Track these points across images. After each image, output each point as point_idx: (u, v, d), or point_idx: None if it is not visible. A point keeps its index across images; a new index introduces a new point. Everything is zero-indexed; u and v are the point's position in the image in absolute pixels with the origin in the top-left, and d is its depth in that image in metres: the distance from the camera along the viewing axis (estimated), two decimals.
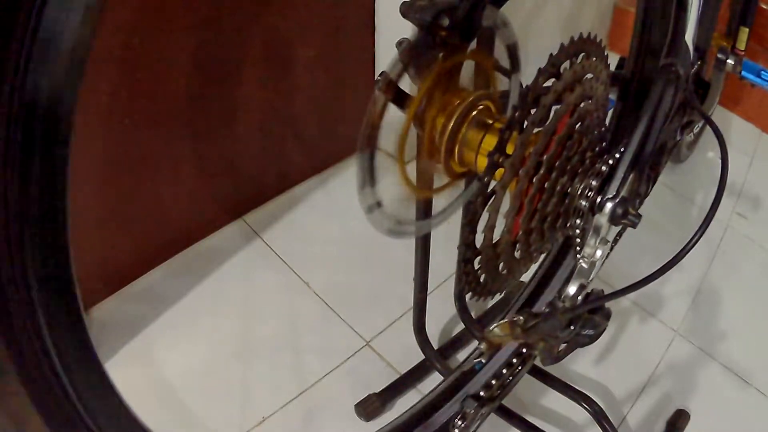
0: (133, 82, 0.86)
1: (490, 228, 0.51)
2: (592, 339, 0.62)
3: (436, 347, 0.95)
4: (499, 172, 0.49)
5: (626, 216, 0.55)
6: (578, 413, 0.87)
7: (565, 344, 0.62)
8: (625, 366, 1.00)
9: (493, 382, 0.74)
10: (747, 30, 1.04)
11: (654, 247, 1.07)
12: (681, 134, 0.82)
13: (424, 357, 0.93)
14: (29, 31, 0.29)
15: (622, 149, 0.58)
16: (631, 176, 0.57)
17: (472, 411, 0.70)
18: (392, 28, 1.09)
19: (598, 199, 0.55)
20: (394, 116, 0.50)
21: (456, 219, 0.55)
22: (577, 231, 0.57)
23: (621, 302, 1.09)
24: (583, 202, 0.55)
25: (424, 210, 0.63)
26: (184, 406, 0.90)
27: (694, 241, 0.54)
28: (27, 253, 0.33)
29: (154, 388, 0.91)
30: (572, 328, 0.60)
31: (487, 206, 0.50)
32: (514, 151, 0.48)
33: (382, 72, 0.48)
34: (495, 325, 0.61)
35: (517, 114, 0.48)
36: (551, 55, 0.49)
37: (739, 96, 1.48)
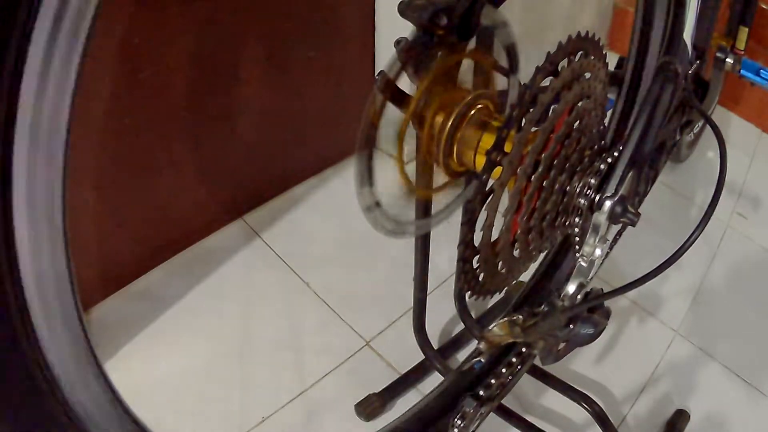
0: (134, 81, 0.86)
1: (488, 226, 0.51)
2: (592, 338, 0.62)
3: (436, 347, 0.95)
4: (498, 170, 0.49)
5: (625, 214, 0.55)
6: (578, 413, 0.87)
7: (564, 343, 0.62)
8: (625, 366, 1.00)
9: (493, 381, 0.74)
10: (746, 29, 1.04)
11: (654, 246, 1.07)
12: (680, 134, 0.82)
13: (424, 357, 0.93)
14: None
15: (621, 147, 0.58)
16: (630, 174, 0.57)
17: (472, 410, 0.70)
18: (392, 28, 1.09)
19: (597, 198, 0.55)
20: (392, 116, 0.50)
21: (456, 218, 0.55)
22: (576, 230, 0.57)
23: (621, 302, 1.09)
24: (582, 201, 0.55)
25: (424, 209, 0.63)
26: (184, 406, 0.90)
27: (692, 239, 0.54)
28: (25, 253, 0.33)
29: (154, 388, 0.91)
30: (571, 326, 0.60)
31: (485, 205, 0.50)
32: (512, 149, 0.48)
33: (381, 71, 0.48)
34: (494, 324, 0.61)
35: (515, 112, 0.48)
36: (549, 53, 0.49)
37: (739, 96, 1.48)
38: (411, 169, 0.55)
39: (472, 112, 0.53)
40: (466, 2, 0.50)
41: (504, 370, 0.76)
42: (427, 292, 0.84)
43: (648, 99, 0.63)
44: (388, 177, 0.52)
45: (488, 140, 0.52)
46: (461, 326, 0.99)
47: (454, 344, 0.99)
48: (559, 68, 0.50)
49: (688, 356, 1.03)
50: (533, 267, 0.90)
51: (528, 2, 1.27)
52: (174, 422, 0.88)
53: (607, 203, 0.54)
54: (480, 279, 0.56)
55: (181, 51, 0.90)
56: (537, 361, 0.76)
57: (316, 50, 1.08)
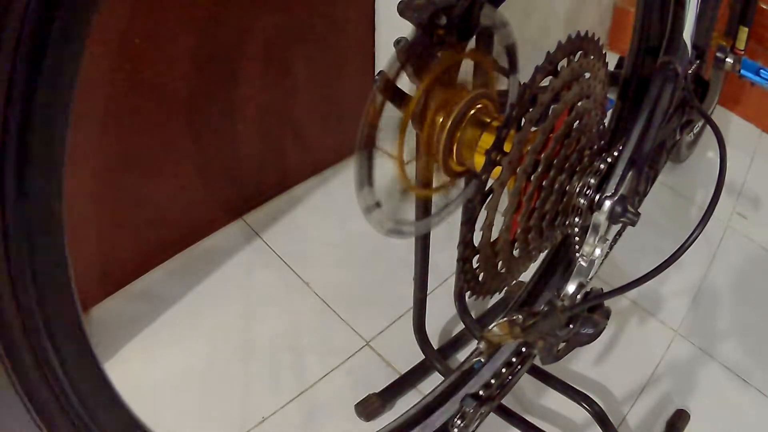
0: (134, 81, 0.86)
1: (488, 226, 0.51)
2: (592, 338, 0.62)
3: (436, 347, 0.95)
4: (497, 170, 0.49)
5: (625, 214, 0.55)
6: (578, 413, 0.87)
7: (564, 343, 0.62)
8: (625, 366, 1.00)
9: (493, 381, 0.74)
10: (746, 30, 1.04)
11: (654, 247, 1.07)
12: (680, 134, 0.82)
13: (424, 357, 0.93)
14: None
15: (621, 147, 0.58)
16: (630, 174, 0.57)
17: (471, 410, 0.70)
18: (392, 28, 1.09)
19: (597, 197, 0.55)
20: (392, 116, 0.50)
21: (456, 218, 0.55)
22: (576, 229, 0.57)
23: (621, 302, 1.09)
24: (582, 200, 0.55)
25: (424, 209, 0.63)
26: (184, 406, 0.90)
27: (693, 238, 0.54)
28: (24, 253, 0.33)
29: (154, 387, 0.91)
30: (571, 326, 0.60)
31: (485, 204, 0.50)
32: (511, 148, 0.48)
33: (380, 71, 0.48)
34: (494, 324, 0.61)
35: (514, 112, 0.48)
36: (548, 53, 0.49)
37: (739, 96, 1.48)
38: (411, 169, 0.55)
39: (472, 112, 0.53)
40: (466, 2, 0.49)
41: (504, 370, 0.76)
42: (427, 292, 0.84)
43: (647, 99, 0.63)
44: (388, 177, 0.52)
45: (488, 140, 0.53)
46: (461, 326, 0.99)
47: (454, 344, 0.99)
48: (559, 68, 0.50)
49: (688, 356, 1.03)
50: (533, 267, 0.90)
51: (528, 2, 1.27)
52: (174, 422, 0.88)
53: (607, 203, 0.54)
54: (480, 279, 0.56)
55: (182, 51, 0.90)
56: (537, 361, 0.76)
57: (316, 50, 1.08)
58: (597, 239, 0.56)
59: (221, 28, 0.93)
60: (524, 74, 0.53)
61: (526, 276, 0.91)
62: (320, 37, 1.07)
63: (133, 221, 0.99)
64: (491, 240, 0.54)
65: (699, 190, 1.33)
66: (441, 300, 1.00)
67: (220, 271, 1.07)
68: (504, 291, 0.61)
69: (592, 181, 0.55)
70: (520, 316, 0.60)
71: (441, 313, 1.03)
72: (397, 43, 0.49)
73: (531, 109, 0.49)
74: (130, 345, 0.96)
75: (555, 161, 0.52)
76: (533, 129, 0.50)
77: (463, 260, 0.53)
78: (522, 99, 0.48)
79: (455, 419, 0.72)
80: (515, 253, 0.57)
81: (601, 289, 0.61)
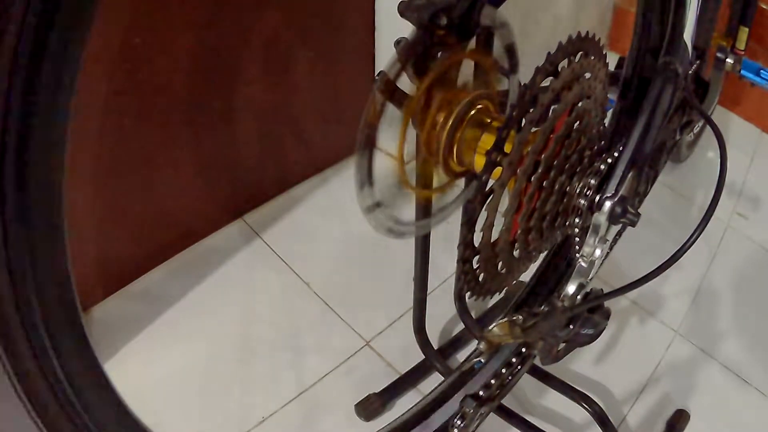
0: (134, 81, 0.86)
1: (488, 227, 0.51)
2: (592, 338, 0.62)
3: (436, 347, 0.95)
4: (498, 170, 0.49)
5: (625, 215, 0.55)
6: (578, 413, 0.87)
7: (564, 343, 0.62)
8: (625, 366, 1.00)
9: (493, 381, 0.74)
10: (747, 30, 1.04)
11: (654, 247, 1.07)
12: (680, 134, 0.82)
13: (424, 357, 0.93)
14: None
15: (621, 148, 0.58)
16: (630, 175, 0.57)
17: (472, 410, 0.70)
18: (392, 28, 1.09)
19: (597, 198, 0.55)
20: (392, 116, 0.50)
21: (456, 218, 0.55)
22: (576, 230, 0.57)
23: (621, 302, 1.09)
24: (582, 201, 0.55)
25: (424, 210, 0.63)
26: (184, 406, 0.90)
27: (693, 239, 0.54)
28: (24, 253, 0.33)
29: (153, 387, 0.91)
30: (571, 327, 0.60)
31: (485, 205, 0.50)
32: (512, 149, 0.48)
33: (381, 71, 0.48)
34: (494, 324, 0.61)
35: (514, 113, 0.48)
36: (549, 53, 0.49)
37: (739, 96, 1.48)
38: (411, 169, 0.55)
39: (472, 112, 0.53)
40: (466, 2, 0.50)
41: (504, 370, 0.76)
42: (427, 292, 0.84)
43: (648, 99, 0.63)
44: (388, 177, 0.52)
45: (488, 140, 0.52)
46: (461, 326, 0.99)
47: (454, 344, 0.99)
48: (560, 68, 0.50)
49: (688, 356, 1.03)
50: (533, 267, 0.90)
51: (528, 2, 1.27)
52: (174, 422, 0.88)
53: (607, 203, 0.54)
54: (480, 279, 0.56)
55: (181, 51, 0.90)
56: (537, 361, 0.76)
57: (316, 50, 1.08)
58: (597, 240, 0.56)
59: (221, 28, 0.92)
60: (525, 75, 0.53)
61: (527, 276, 0.91)
62: (320, 37, 1.07)
63: (133, 221, 0.99)
64: (491, 240, 0.54)
65: (699, 190, 1.33)
66: (441, 300, 1.00)
67: (220, 271, 1.07)
68: (504, 291, 0.61)
69: (593, 181, 0.55)
70: (521, 317, 0.60)
71: (441, 313, 1.03)
72: (397, 43, 0.49)
73: (531, 110, 0.49)
74: (130, 345, 0.96)
75: (555, 162, 0.52)
76: (534, 130, 0.50)
77: (464, 261, 0.53)
78: (522, 99, 0.48)
79: (455, 419, 0.72)
80: (515, 253, 0.57)
81: (602, 289, 0.61)
